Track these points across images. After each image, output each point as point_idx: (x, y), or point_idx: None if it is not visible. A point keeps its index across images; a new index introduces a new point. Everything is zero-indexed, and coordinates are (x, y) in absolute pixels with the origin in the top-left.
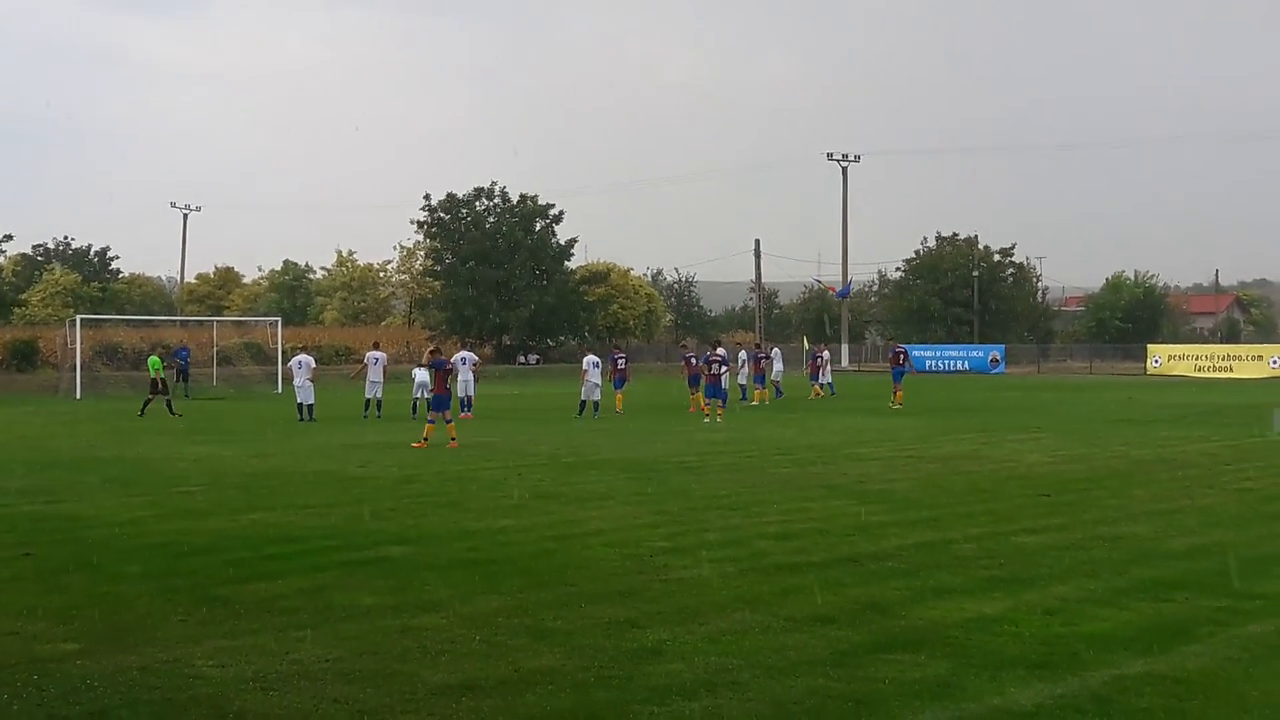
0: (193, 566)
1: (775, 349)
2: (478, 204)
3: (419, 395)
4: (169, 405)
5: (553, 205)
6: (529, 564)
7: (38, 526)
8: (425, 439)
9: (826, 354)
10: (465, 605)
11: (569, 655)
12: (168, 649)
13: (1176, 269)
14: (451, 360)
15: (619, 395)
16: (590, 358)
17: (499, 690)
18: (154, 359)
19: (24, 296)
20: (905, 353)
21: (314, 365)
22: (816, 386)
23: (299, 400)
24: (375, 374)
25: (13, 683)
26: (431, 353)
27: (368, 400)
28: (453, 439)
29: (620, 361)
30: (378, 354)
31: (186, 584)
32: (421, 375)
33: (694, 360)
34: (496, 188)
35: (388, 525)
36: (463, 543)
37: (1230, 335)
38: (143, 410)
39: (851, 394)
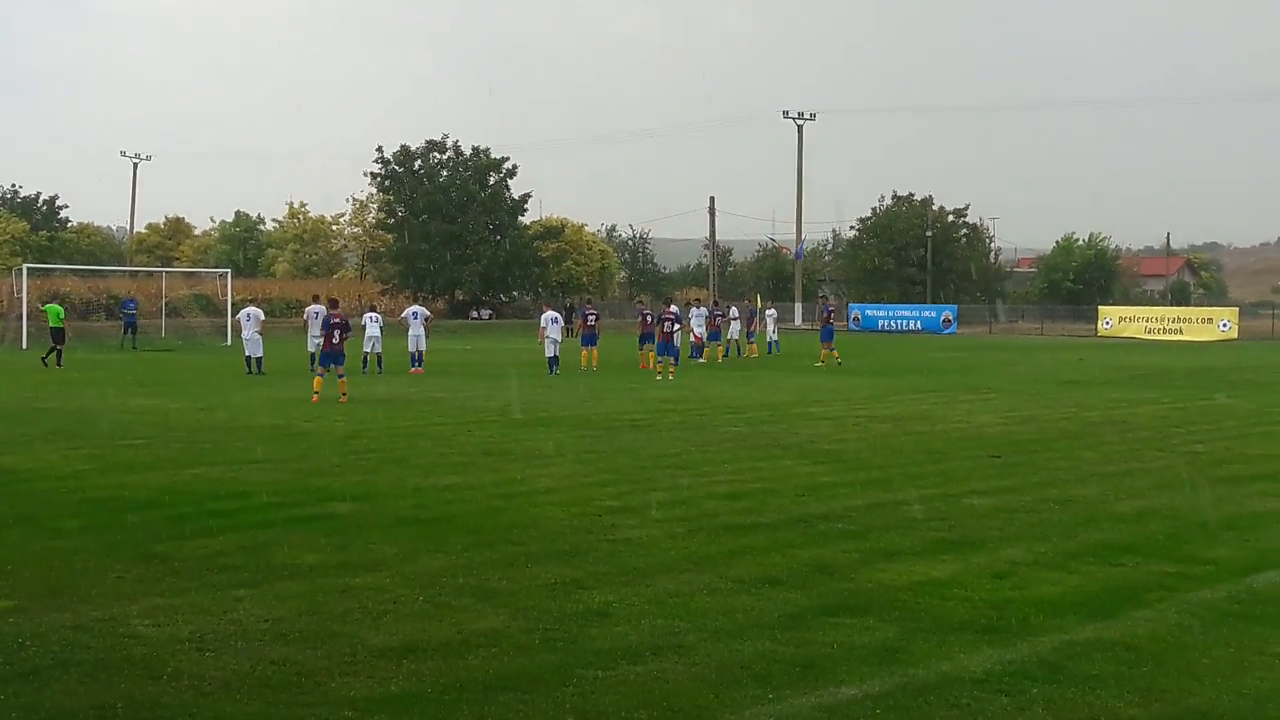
0: (133, 522)
1: (733, 308)
2: (431, 157)
3: (370, 349)
4: (49, 355)
5: (507, 159)
6: (475, 522)
7: None
8: (317, 394)
9: (773, 312)
10: (409, 564)
11: (513, 617)
12: (104, 607)
13: (1128, 231)
14: (402, 314)
15: (589, 351)
16: (549, 314)
17: (441, 652)
18: (54, 307)
19: None
20: (834, 312)
21: (262, 318)
22: (753, 345)
23: (247, 353)
24: (317, 328)
25: None
26: (329, 308)
27: (313, 354)
28: (316, 393)
29: (591, 318)
30: (318, 308)
31: (126, 540)
32: (373, 329)
33: (649, 318)
34: (449, 141)
35: (333, 481)
36: (408, 500)
37: (1180, 298)
38: (57, 361)
39: (803, 353)
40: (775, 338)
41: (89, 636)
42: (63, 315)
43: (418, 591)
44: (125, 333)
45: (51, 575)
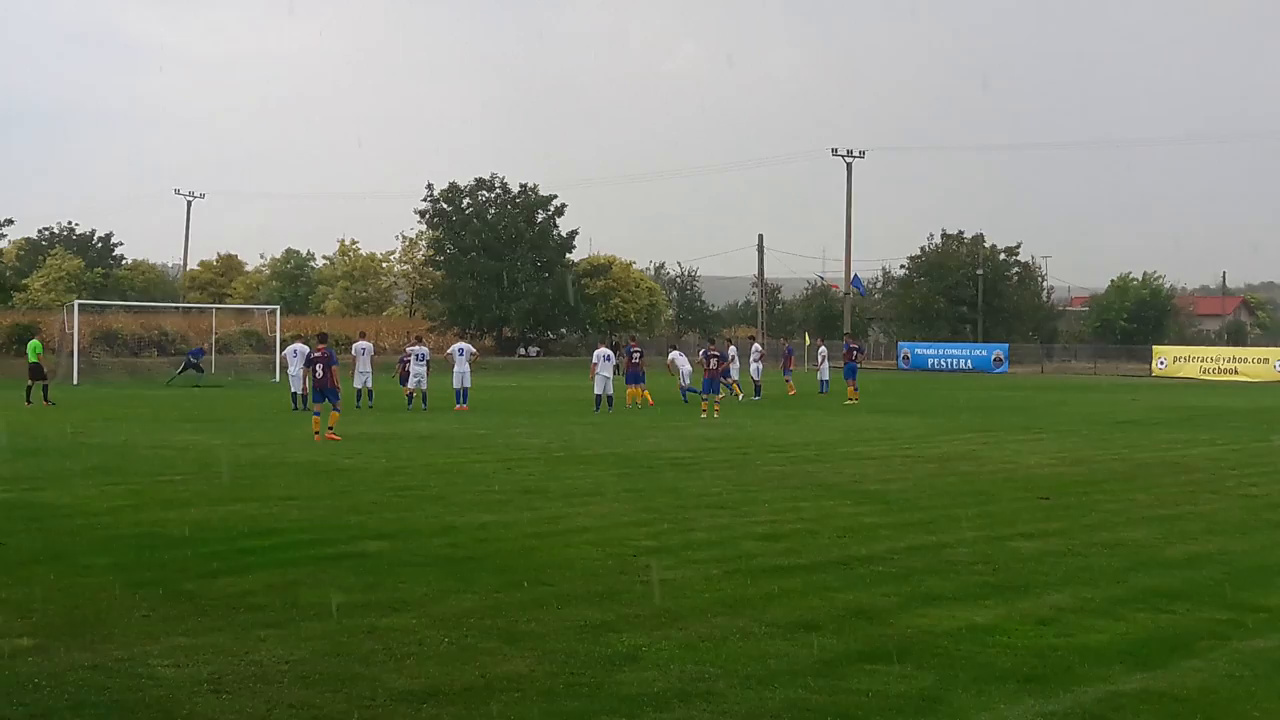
0: (163, 559)
1: (732, 348)
2: (479, 195)
3: (414, 385)
4: (34, 391)
5: (554, 197)
6: (507, 562)
7: (11, 515)
8: (318, 432)
9: (824, 350)
10: (437, 605)
11: (539, 660)
12: (125, 646)
13: (1183, 270)
14: (447, 351)
15: (636, 390)
16: (601, 350)
17: (463, 697)
18: (35, 343)
19: (26, 281)
20: (858, 350)
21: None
22: (790, 382)
23: (293, 389)
24: (363, 364)
25: None
26: (318, 342)
27: (357, 390)
28: (317, 432)
29: (636, 355)
30: (364, 344)
31: (154, 577)
32: (418, 365)
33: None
34: (498, 178)
35: (368, 519)
36: (442, 539)
37: (1236, 338)
38: (28, 397)
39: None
40: (826, 376)
41: (106, 677)
42: (40, 349)
43: (444, 633)
44: (181, 370)
45: (76, 613)
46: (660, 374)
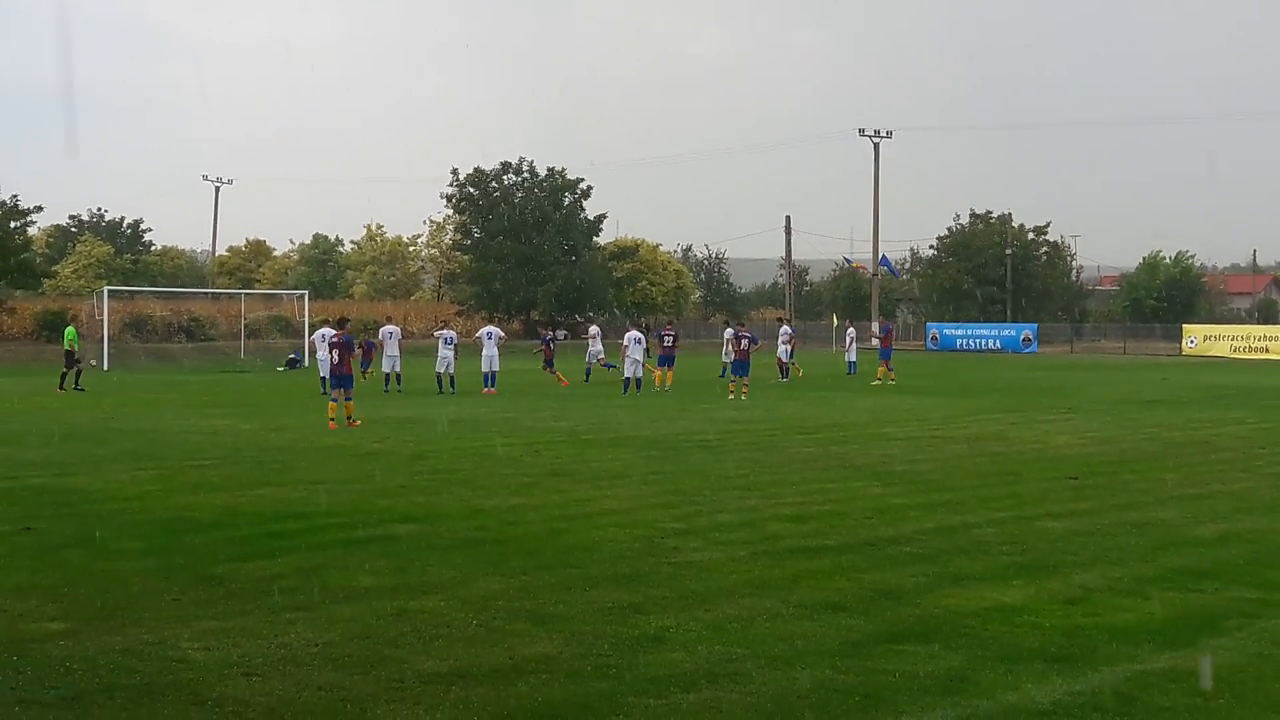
0: (193, 543)
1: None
2: (505, 178)
3: (443, 369)
4: (63, 379)
5: (581, 180)
6: (536, 544)
7: (42, 500)
8: (333, 419)
9: (852, 330)
10: (465, 587)
11: (567, 642)
12: (155, 630)
13: (1214, 248)
14: (476, 334)
15: (663, 371)
16: (631, 333)
17: (490, 679)
18: (70, 329)
19: (56, 268)
20: (891, 333)
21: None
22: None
23: (322, 374)
24: (391, 348)
25: None
26: (336, 327)
27: (386, 374)
28: (332, 419)
29: (668, 339)
30: (392, 328)
31: (185, 561)
32: (445, 349)
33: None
34: (524, 162)
35: (396, 502)
36: (470, 521)
37: (1267, 316)
38: (61, 384)
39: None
40: (853, 358)
41: (137, 660)
42: (74, 336)
43: (472, 615)
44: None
45: (107, 597)
46: (685, 357)
